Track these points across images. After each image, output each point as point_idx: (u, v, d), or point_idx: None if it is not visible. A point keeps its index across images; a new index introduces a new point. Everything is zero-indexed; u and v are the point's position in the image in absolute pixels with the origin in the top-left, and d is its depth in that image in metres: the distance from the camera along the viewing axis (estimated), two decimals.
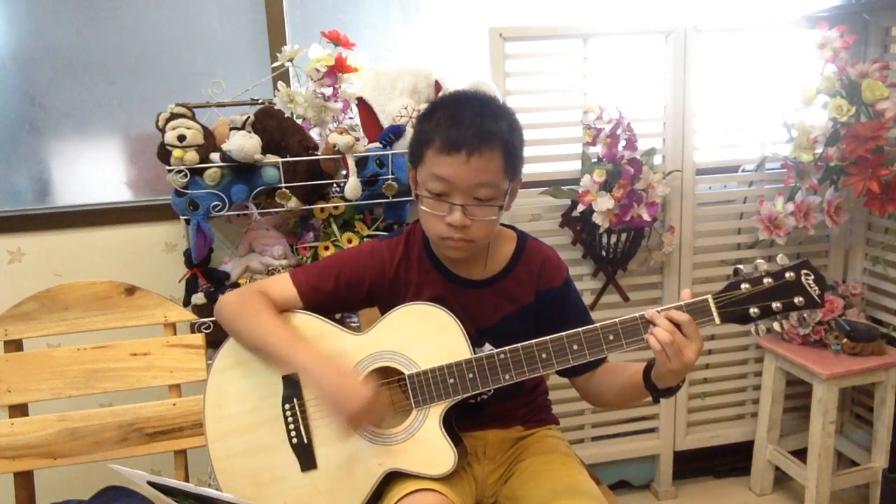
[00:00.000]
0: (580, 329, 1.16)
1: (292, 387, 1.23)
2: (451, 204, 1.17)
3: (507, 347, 1.18)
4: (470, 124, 1.14)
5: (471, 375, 1.19)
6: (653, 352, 1.09)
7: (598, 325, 1.16)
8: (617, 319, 1.15)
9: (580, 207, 1.98)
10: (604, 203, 1.93)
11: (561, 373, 1.26)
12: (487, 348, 1.28)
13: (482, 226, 1.20)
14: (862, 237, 2.25)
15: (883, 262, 2.17)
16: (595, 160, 2.00)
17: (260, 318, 1.22)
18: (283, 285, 1.28)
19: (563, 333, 1.16)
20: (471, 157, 1.14)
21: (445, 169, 1.16)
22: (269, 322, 1.22)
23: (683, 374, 1.11)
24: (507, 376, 1.18)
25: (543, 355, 1.17)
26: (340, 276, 1.28)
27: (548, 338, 1.17)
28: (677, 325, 1.08)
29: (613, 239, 2.03)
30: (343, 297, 1.30)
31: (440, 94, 1.75)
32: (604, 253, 2.06)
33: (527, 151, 2.02)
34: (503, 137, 1.17)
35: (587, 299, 2.14)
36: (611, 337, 1.15)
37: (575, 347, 1.16)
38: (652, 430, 2.30)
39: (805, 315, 1.10)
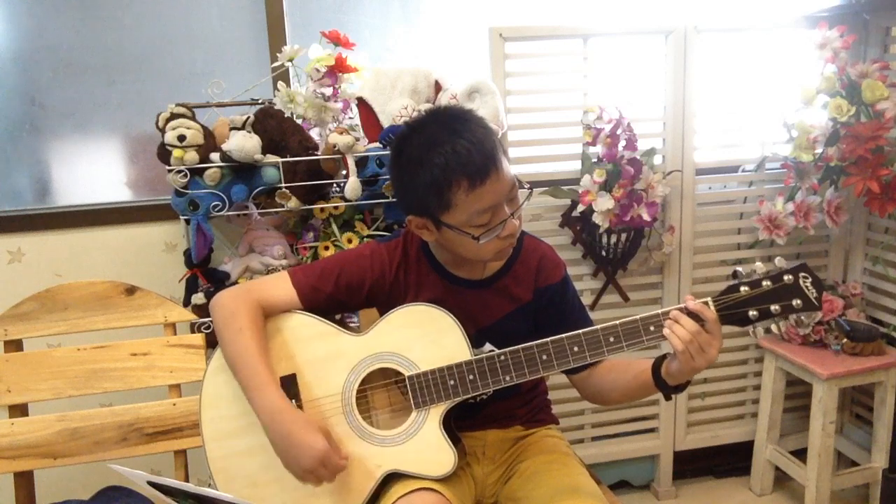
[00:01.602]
0: (580, 331, 1.17)
1: (289, 387, 1.23)
2: (502, 221, 1.17)
3: (507, 349, 1.19)
4: (469, 146, 1.12)
5: (471, 377, 1.19)
6: (674, 350, 1.10)
7: (598, 327, 1.16)
8: (618, 321, 1.15)
9: (580, 207, 1.98)
10: (604, 203, 1.93)
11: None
12: (487, 348, 1.28)
13: (520, 217, 1.22)
14: (862, 237, 2.25)
15: (883, 262, 2.17)
16: (595, 160, 2.00)
17: (241, 336, 1.19)
18: (283, 285, 1.27)
19: (564, 335, 1.17)
20: (497, 170, 1.14)
21: (489, 196, 1.14)
22: (247, 346, 1.18)
23: (700, 371, 1.12)
24: (507, 377, 1.19)
25: (544, 357, 1.17)
26: (340, 278, 1.28)
27: (548, 339, 1.17)
28: (701, 323, 1.09)
29: (613, 239, 2.03)
30: (342, 299, 1.29)
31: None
32: (604, 253, 2.06)
33: (527, 151, 2.08)
34: (490, 132, 1.17)
35: (587, 299, 2.14)
36: (611, 339, 1.15)
37: (575, 349, 1.17)
38: (652, 430, 2.31)
39: (802, 317, 1.10)
